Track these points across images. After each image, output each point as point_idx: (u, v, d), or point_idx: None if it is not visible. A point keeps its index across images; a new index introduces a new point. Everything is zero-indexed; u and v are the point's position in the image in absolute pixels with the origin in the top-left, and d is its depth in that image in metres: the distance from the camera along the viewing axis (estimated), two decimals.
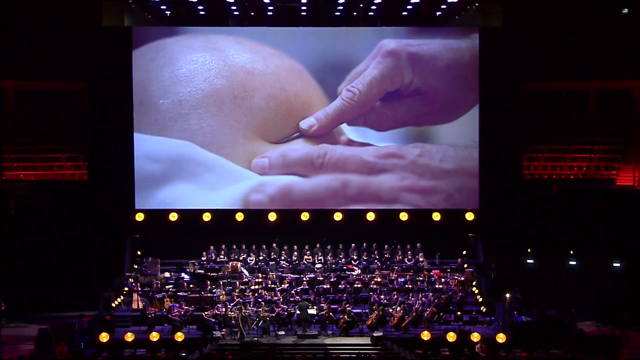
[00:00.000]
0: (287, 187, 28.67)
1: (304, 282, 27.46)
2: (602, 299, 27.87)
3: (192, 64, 28.54)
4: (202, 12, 30.07)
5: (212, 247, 29.36)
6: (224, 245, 29.41)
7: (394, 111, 28.37)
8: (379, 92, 28.18)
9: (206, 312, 25.50)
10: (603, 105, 32.69)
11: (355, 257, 29.13)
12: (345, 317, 25.38)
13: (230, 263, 28.48)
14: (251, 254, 29.29)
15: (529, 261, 28.38)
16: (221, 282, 27.42)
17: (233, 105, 28.42)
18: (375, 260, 28.97)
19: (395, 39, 28.30)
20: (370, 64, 28.20)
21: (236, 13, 30.26)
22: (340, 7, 29.93)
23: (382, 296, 26.65)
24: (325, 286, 27.24)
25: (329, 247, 29.46)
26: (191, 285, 27.54)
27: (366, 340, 24.77)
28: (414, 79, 28.10)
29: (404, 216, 29.07)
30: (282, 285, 27.33)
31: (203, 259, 29.20)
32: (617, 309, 26.81)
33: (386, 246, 29.42)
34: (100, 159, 29.50)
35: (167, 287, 27.41)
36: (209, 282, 27.53)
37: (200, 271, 28.31)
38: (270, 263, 28.90)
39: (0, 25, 29.43)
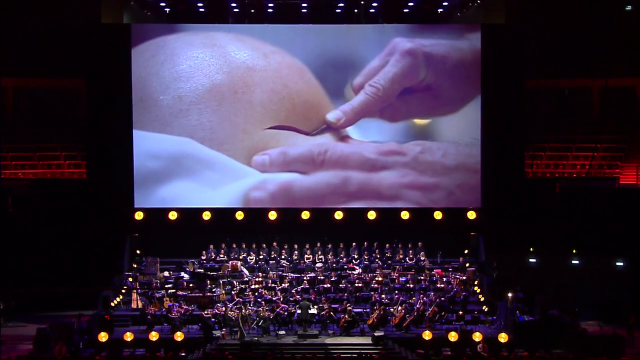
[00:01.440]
0: (287, 184, 28.60)
1: (305, 282, 27.30)
2: (605, 298, 27.68)
3: (193, 60, 28.49)
4: (201, 10, 29.94)
5: (211, 246, 29.22)
6: (223, 244, 29.27)
7: (407, 105, 29.00)
8: (399, 87, 28.87)
9: (206, 312, 25.33)
10: (606, 103, 32.54)
11: (356, 256, 28.98)
12: (346, 316, 25.22)
13: (230, 262, 28.33)
14: (251, 253, 29.16)
15: (531, 260, 28.21)
16: (221, 282, 27.27)
17: (233, 100, 28.36)
18: (377, 259, 28.81)
19: (408, 38, 28.82)
20: (387, 61, 28.74)
21: (236, 10, 30.10)
22: (341, 4, 29.84)
23: (383, 295, 26.50)
24: (326, 285, 27.09)
25: (329, 246, 29.30)
26: (191, 285, 27.39)
27: (367, 340, 24.63)
28: (427, 76, 28.77)
29: (405, 215, 28.95)
30: (283, 285, 27.18)
31: (203, 258, 29.05)
32: (621, 309, 26.64)
33: (387, 245, 29.27)
34: (99, 157, 29.35)
35: (166, 286, 27.27)
36: (208, 281, 27.37)
37: (200, 270, 28.16)
38: (271, 262, 28.77)
39: None
